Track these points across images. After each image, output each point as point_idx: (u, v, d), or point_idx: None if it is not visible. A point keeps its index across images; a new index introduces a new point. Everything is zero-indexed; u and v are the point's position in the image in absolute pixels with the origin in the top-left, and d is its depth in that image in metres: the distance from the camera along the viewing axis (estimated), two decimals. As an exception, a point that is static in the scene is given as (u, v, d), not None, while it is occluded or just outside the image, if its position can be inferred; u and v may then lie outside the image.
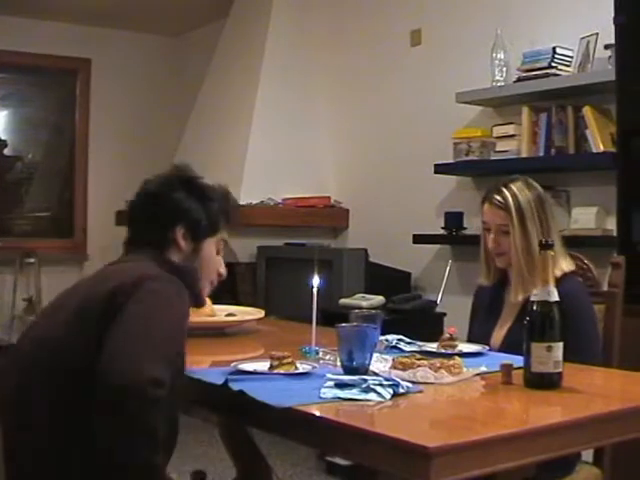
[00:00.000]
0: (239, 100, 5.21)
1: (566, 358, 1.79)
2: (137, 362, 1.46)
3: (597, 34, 3.42)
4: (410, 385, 1.69)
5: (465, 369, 1.86)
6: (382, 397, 1.62)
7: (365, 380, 1.66)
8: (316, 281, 2.08)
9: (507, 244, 2.34)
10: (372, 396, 1.62)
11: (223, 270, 1.95)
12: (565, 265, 2.29)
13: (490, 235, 2.38)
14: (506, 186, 2.36)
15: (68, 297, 1.73)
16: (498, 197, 2.36)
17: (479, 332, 2.42)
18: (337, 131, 5.15)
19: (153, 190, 1.89)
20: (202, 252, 1.88)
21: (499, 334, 2.39)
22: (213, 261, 1.92)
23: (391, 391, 1.64)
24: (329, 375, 1.72)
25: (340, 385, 1.67)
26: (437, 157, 4.14)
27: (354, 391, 1.64)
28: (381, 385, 1.65)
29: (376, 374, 1.77)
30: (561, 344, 1.77)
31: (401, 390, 1.65)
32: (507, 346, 2.26)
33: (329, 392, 1.64)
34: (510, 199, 2.33)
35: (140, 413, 1.43)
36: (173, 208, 1.85)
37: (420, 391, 1.70)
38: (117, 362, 1.47)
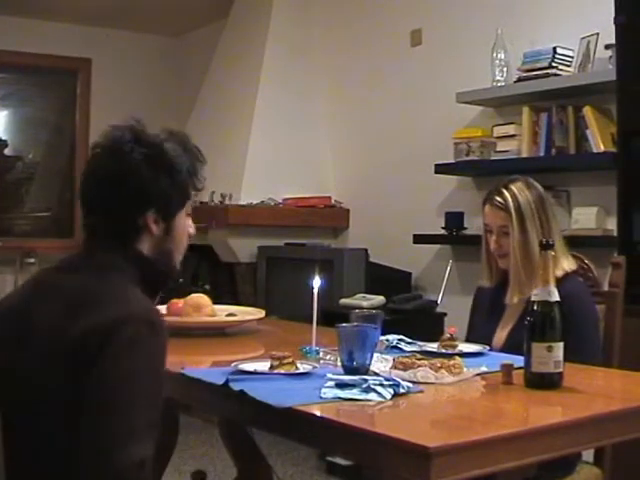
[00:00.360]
0: (239, 100, 5.22)
1: (566, 358, 1.79)
2: (121, 450, 1.34)
3: (597, 34, 3.42)
4: (410, 385, 1.69)
5: (465, 369, 1.86)
6: (382, 397, 1.62)
7: (365, 380, 1.66)
8: (317, 282, 2.08)
9: (509, 245, 2.34)
10: (372, 396, 1.62)
11: (192, 230, 1.74)
12: (567, 265, 2.29)
13: (492, 237, 2.38)
14: (506, 187, 2.36)
15: (20, 321, 1.51)
16: (498, 198, 2.36)
17: (481, 333, 2.41)
18: (337, 131, 5.15)
19: (112, 171, 1.60)
20: (175, 229, 1.66)
21: (501, 335, 2.39)
22: (185, 230, 1.71)
23: (391, 391, 1.64)
24: (329, 375, 1.72)
25: (340, 385, 1.67)
26: (437, 157, 4.14)
27: (354, 391, 1.64)
28: (381, 385, 1.65)
29: (377, 374, 1.77)
30: (561, 344, 1.77)
31: (401, 390, 1.65)
32: (509, 348, 2.25)
33: (329, 392, 1.64)
34: (510, 200, 2.33)
35: None
36: (141, 193, 1.59)
37: (421, 391, 1.70)
38: (101, 455, 1.34)
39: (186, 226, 1.71)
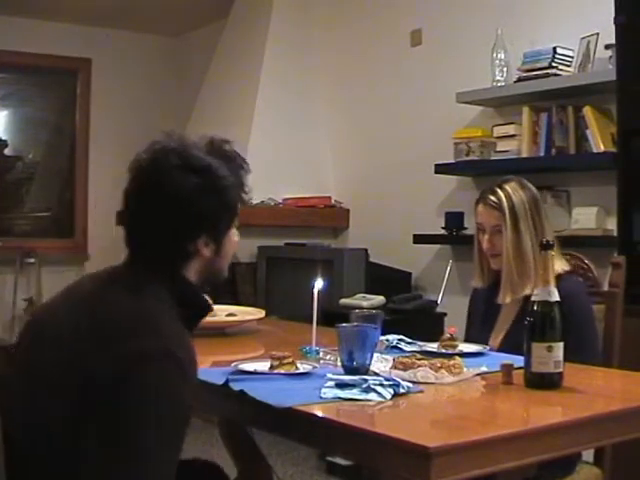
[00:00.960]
0: (239, 100, 5.22)
1: (566, 358, 1.79)
2: None
3: (597, 34, 3.42)
4: (410, 385, 1.69)
5: (465, 369, 1.86)
6: (382, 397, 1.62)
7: (366, 380, 1.66)
8: (318, 282, 2.08)
9: (501, 245, 2.34)
10: (372, 396, 1.62)
11: (237, 238, 1.70)
12: (559, 265, 2.27)
13: (485, 236, 2.38)
14: (500, 187, 2.36)
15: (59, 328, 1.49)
16: (492, 197, 2.35)
17: (477, 335, 2.41)
18: (337, 131, 5.15)
19: (163, 196, 1.54)
20: (224, 247, 1.62)
21: (497, 338, 2.38)
22: (233, 244, 1.67)
23: (392, 391, 1.64)
24: (329, 375, 1.72)
25: (341, 385, 1.67)
26: (437, 157, 4.14)
27: (354, 391, 1.64)
28: (381, 385, 1.65)
29: (377, 374, 1.77)
30: (562, 344, 1.77)
31: (402, 390, 1.65)
32: (506, 349, 2.25)
33: (329, 392, 1.64)
34: (504, 199, 2.33)
35: None
36: (193, 220, 1.55)
37: (421, 391, 1.70)
38: None
39: (235, 240, 1.68)
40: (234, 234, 1.67)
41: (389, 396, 1.62)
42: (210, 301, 1.65)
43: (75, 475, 1.36)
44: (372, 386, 1.64)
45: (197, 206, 1.54)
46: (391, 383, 1.66)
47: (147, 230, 1.56)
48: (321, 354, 2.03)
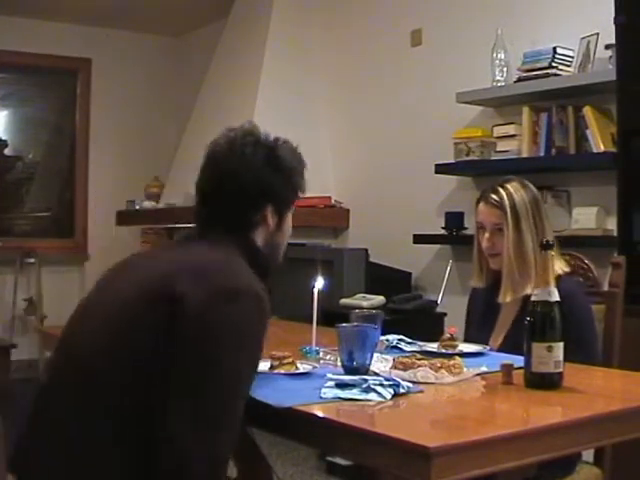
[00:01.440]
0: (239, 100, 5.21)
1: (565, 359, 1.79)
2: (209, 448, 1.45)
3: (597, 34, 3.42)
4: (410, 385, 1.69)
5: (466, 369, 1.86)
6: (383, 397, 1.62)
7: (366, 380, 1.66)
8: (319, 282, 2.08)
9: (501, 244, 2.33)
10: (372, 396, 1.62)
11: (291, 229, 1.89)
12: (558, 266, 2.27)
13: (485, 235, 2.37)
14: (502, 186, 2.36)
15: (137, 273, 1.64)
16: (494, 196, 2.35)
17: (476, 336, 2.41)
18: (337, 131, 5.15)
19: (236, 169, 1.74)
20: (285, 224, 1.82)
21: (497, 338, 2.38)
22: (290, 227, 1.86)
23: (392, 391, 1.64)
24: (330, 375, 1.72)
25: (341, 385, 1.67)
26: (437, 157, 4.14)
27: (354, 391, 1.64)
28: (381, 385, 1.65)
29: (377, 374, 1.77)
30: (562, 344, 1.77)
31: (402, 390, 1.65)
32: (506, 350, 2.25)
33: (329, 392, 1.64)
34: (506, 198, 2.33)
35: None
36: (263, 189, 1.75)
37: (421, 391, 1.70)
38: (187, 448, 1.43)
39: (291, 224, 1.86)
40: (291, 221, 1.85)
41: (389, 396, 1.63)
42: (272, 267, 1.82)
43: (163, 399, 1.45)
44: (372, 386, 1.64)
45: (267, 177, 1.75)
46: (391, 383, 1.66)
47: (223, 197, 1.74)
48: (321, 354, 2.03)
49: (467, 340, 2.41)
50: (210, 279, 1.54)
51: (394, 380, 1.68)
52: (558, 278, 2.20)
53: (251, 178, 1.74)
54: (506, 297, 2.33)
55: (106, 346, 1.53)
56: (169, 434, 1.44)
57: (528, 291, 2.25)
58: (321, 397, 1.62)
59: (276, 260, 1.82)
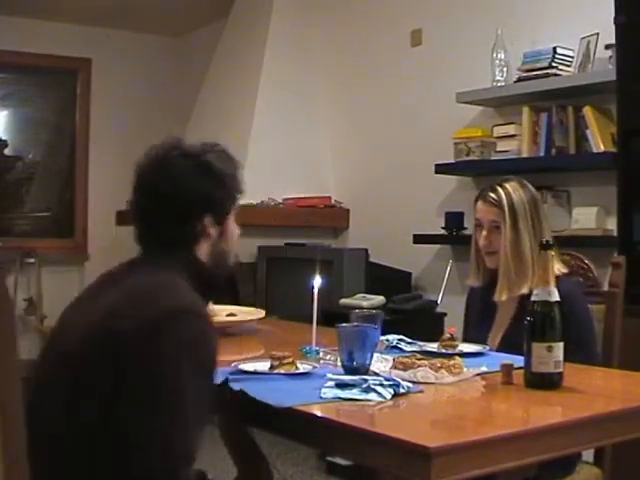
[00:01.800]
0: (239, 100, 5.22)
1: (565, 359, 1.79)
2: (172, 449, 1.44)
3: (597, 34, 3.42)
4: (410, 385, 1.69)
5: (465, 369, 1.86)
6: (382, 397, 1.62)
7: (365, 380, 1.66)
8: (317, 281, 2.08)
9: (498, 242, 2.34)
10: (372, 396, 1.62)
11: (239, 232, 1.86)
12: (557, 267, 2.27)
13: (482, 232, 2.38)
14: (501, 185, 2.37)
15: (90, 307, 1.61)
16: (492, 194, 2.36)
17: (474, 336, 2.41)
18: (337, 131, 5.15)
19: (168, 185, 1.70)
20: (227, 231, 1.78)
21: (495, 338, 2.38)
22: (235, 232, 1.83)
23: (392, 391, 1.64)
24: (329, 375, 1.72)
25: (341, 385, 1.67)
26: (438, 157, 4.14)
27: (354, 391, 1.64)
28: (381, 385, 1.65)
29: (377, 374, 1.77)
30: (562, 344, 1.77)
31: (402, 390, 1.65)
32: (504, 350, 2.25)
33: (329, 392, 1.64)
34: (504, 197, 2.33)
35: None
36: (197, 201, 1.71)
37: (421, 391, 1.70)
38: (150, 451, 1.43)
39: (236, 229, 1.83)
40: (235, 225, 1.82)
41: (389, 396, 1.63)
42: (221, 280, 1.80)
43: (116, 430, 1.45)
44: (372, 386, 1.64)
45: (199, 188, 1.71)
46: (391, 383, 1.66)
47: (157, 216, 1.71)
48: (321, 354, 2.03)
49: (466, 340, 2.42)
50: (147, 308, 1.51)
51: (394, 380, 1.68)
52: (557, 279, 2.20)
53: (182, 192, 1.70)
54: (502, 296, 2.33)
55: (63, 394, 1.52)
56: (133, 448, 1.44)
57: (524, 291, 2.26)
58: (321, 397, 1.62)
59: (225, 268, 1.80)
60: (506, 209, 2.31)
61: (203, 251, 1.73)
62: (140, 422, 1.44)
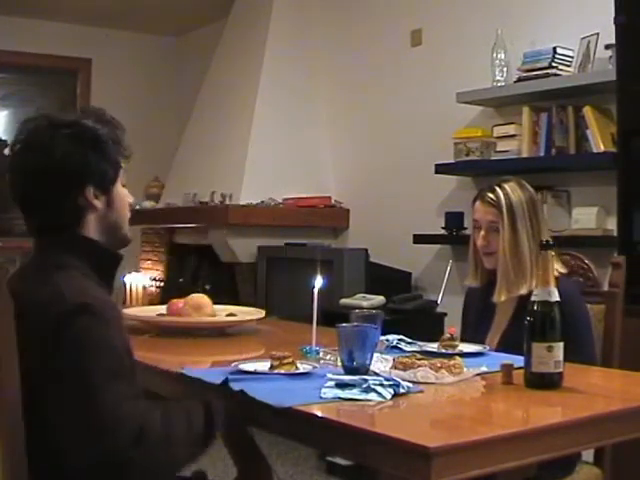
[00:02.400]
0: (239, 100, 5.22)
1: (564, 359, 1.79)
2: (106, 439, 1.40)
3: (597, 34, 3.42)
4: (410, 385, 1.69)
5: (466, 369, 1.86)
6: (383, 397, 1.62)
7: (366, 380, 1.66)
8: (318, 281, 2.08)
9: (497, 243, 2.34)
10: (373, 396, 1.62)
11: (131, 199, 1.76)
12: (555, 268, 2.26)
13: (480, 233, 2.38)
14: (499, 185, 2.37)
15: None
16: (491, 195, 2.36)
17: (473, 336, 2.41)
18: (337, 131, 5.15)
19: (40, 162, 1.58)
20: (115, 200, 1.68)
21: (494, 338, 2.38)
22: (124, 200, 1.72)
23: (392, 391, 1.64)
24: (330, 375, 1.72)
25: (341, 385, 1.66)
26: (438, 157, 4.14)
27: (355, 391, 1.64)
28: (382, 385, 1.65)
29: (377, 374, 1.77)
30: (562, 344, 1.77)
31: (402, 390, 1.65)
32: (503, 350, 2.24)
33: (329, 392, 1.64)
34: (502, 197, 2.33)
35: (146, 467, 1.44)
36: (74, 172, 1.60)
37: (421, 391, 1.70)
38: (84, 444, 1.42)
39: (124, 195, 1.73)
40: (124, 192, 1.73)
41: (389, 396, 1.62)
42: (118, 252, 1.71)
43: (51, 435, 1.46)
44: (372, 386, 1.64)
45: (74, 156, 1.59)
46: (391, 383, 1.66)
47: (35, 197, 1.61)
48: (321, 354, 2.03)
49: (464, 340, 2.42)
50: (40, 319, 1.47)
51: (394, 380, 1.68)
52: (556, 279, 2.20)
53: (54, 166, 1.58)
54: (501, 296, 2.33)
55: None
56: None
57: (523, 291, 2.26)
58: (321, 397, 1.61)
59: (119, 240, 1.71)
60: (504, 209, 2.31)
61: (92, 226, 1.65)
62: (64, 419, 1.45)
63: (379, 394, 1.62)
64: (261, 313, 2.70)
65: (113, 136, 1.69)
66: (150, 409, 1.49)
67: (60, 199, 1.61)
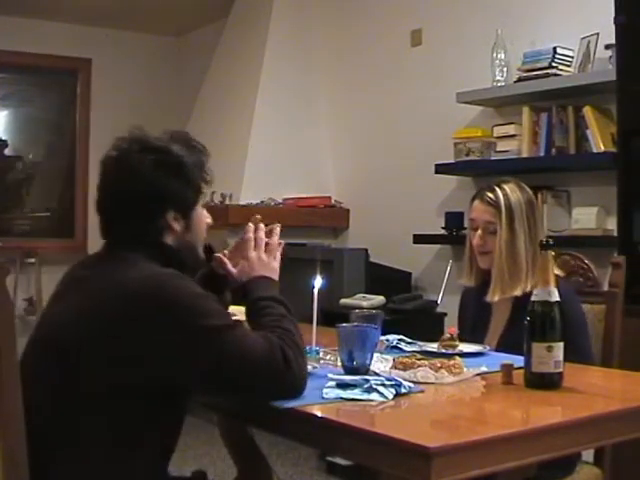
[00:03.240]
0: (240, 100, 5.22)
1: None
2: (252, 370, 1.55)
3: (597, 34, 3.42)
4: (412, 385, 1.69)
5: (466, 369, 1.86)
6: (385, 397, 1.62)
7: (367, 380, 1.66)
8: (318, 281, 2.08)
9: (492, 243, 2.33)
10: (375, 396, 1.62)
11: (210, 220, 1.85)
12: None
13: (477, 232, 2.37)
14: (499, 185, 2.37)
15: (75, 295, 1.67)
16: (490, 194, 2.36)
17: (471, 337, 2.40)
18: (337, 131, 5.15)
19: (126, 182, 1.69)
20: (193, 223, 1.76)
21: (492, 340, 2.37)
22: (203, 222, 1.82)
23: (393, 391, 1.64)
24: (330, 375, 1.72)
25: (342, 385, 1.66)
26: (438, 157, 4.14)
27: (356, 391, 1.64)
28: (383, 385, 1.65)
29: (377, 374, 1.77)
30: (562, 344, 1.77)
31: (403, 390, 1.65)
32: (502, 351, 2.24)
33: (331, 392, 1.64)
34: (502, 198, 2.33)
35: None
36: (157, 197, 1.69)
37: (421, 391, 1.70)
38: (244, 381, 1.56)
39: (203, 218, 1.81)
40: (204, 214, 1.81)
41: (391, 396, 1.62)
42: (195, 258, 1.81)
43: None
44: (374, 386, 1.64)
45: (159, 181, 1.69)
46: (393, 383, 1.66)
47: (120, 216, 1.71)
48: (321, 354, 2.03)
49: (463, 340, 2.41)
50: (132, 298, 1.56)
51: (396, 380, 1.68)
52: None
53: (140, 189, 1.68)
54: (494, 296, 2.33)
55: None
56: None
57: (517, 292, 2.26)
58: (323, 397, 1.62)
59: (193, 259, 1.79)
60: (503, 209, 2.31)
61: (169, 242, 1.73)
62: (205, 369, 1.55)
63: (381, 394, 1.62)
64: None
65: (197, 162, 1.76)
66: (259, 331, 1.63)
67: (141, 219, 1.70)
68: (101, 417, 1.53)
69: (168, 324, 1.52)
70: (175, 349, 1.52)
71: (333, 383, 1.68)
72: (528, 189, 2.39)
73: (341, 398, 1.61)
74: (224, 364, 1.53)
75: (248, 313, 1.75)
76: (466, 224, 4.00)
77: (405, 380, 1.71)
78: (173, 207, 1.71)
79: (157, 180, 1.68)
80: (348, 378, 1.69)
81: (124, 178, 1.69)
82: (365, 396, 1.62)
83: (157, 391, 1.56)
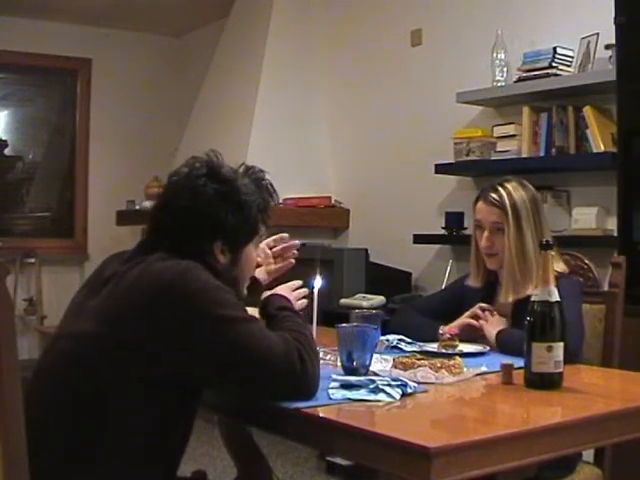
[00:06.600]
0: (240, 100, 5.22)
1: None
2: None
3: (598, 34, 3.42)
4: (417, 385, 1.69)
5: (466, 369, 1.86)
6: (392, 397, 1.61)
7: (373, 381, 1.66)
8: (318, 281, 2.08)
9: (500, 244, 2.32)
10: (382, 396, 1.61)
11: (261, 259, 1.90)
12: (556, 266, 2.24)
13: (484, 234, 2.36)
14: (501, 185, 2.36)
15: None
16: (494, 195, 2.34)
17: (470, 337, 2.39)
18: (337, 131, 5.15)
19: (184, 203, 1.70)
20: (241, 260, 1.76)
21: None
22: (252, 262, 1.83)
23: (400, 391, 1.64)
24: (334, 376, 1.72)
25: (346, 386, 1.66)
26: (438, 157, 4.14)
27: (362, 392, 1.63)
28: (389, 385, 1.64)
29: (376, 374, 1.77)
30: (562, 344, 1.77)
31: (409, 390, 1.65)
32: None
33: (337, 393, 1.63)
34: (506, 197, 2.32)
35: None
36: (209, 225, 1.70)
37: (425, 391, 1.70)
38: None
39: (254, 258, 1.82)
40: (254, 254, 1.82)
41: (398, 396, 1.62)
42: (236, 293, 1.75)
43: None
44: (380, 386, 1.64)
45: (214, 210, 1.69)
46: (399, 383, 1.66)
47: (171, 232, 1.70)
48: (321, 354, 2.03)
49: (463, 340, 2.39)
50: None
51: (401, 380, 1.67)
52: (556, 278, 2.19)
53: (194, 212, 1.69)
54: (508, 297, 2.31)
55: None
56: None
57: (529, 292, 2.24)
58: (331, 398, 1.61)
59: (235, 294, 1.71)
60: (509, 209, 2.30)
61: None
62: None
63: (388, 394, 1.62)
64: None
65: (261, 203, 1.77)
66: (272, 330, 1.63)
67: (189, 239, 1.69)
68: (120, 420, 1.55)
69: (189, 312, 1.53)
70: (193, 338, 1.53)
71: (337, 384, 1.67)
72: (531, 186, 2.38)
73: (348, 399, 1.61)
74: (241, 355, 1.54)
75: (269, 319, 1.76)
76: (466, 224, 4.01)
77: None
78: (222, 239, 1.71)
79: (212, 209, 1.69)
80: (353, 379, 1.69)
81: (184, 197, 1.70)
82: (372, 397, 1.61)
83: (173, 391, 1.58)
